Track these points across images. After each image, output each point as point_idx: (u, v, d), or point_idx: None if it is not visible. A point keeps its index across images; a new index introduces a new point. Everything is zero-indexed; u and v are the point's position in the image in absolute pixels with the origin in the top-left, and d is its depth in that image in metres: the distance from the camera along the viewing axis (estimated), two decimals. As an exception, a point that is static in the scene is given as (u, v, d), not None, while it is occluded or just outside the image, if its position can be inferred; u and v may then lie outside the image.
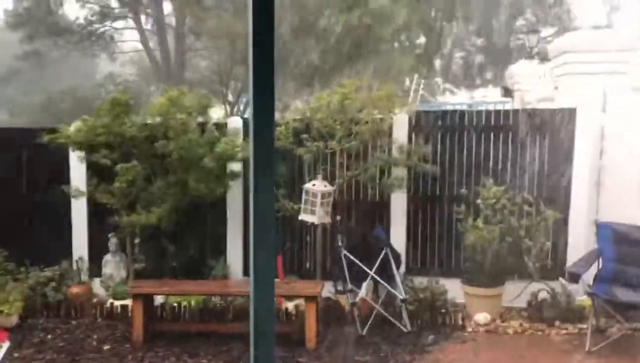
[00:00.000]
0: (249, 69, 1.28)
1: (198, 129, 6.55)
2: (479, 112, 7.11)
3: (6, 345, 5.58)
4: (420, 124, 6.87)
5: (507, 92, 11.44)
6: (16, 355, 5.49)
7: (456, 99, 16.09)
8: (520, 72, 11.58)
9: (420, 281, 6.45)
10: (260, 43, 1.27)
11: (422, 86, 13.36)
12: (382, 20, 14.27)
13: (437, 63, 19.31)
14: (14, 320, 6.20)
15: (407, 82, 17.67)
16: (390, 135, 6.74)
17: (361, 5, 13.76)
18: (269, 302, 1.37)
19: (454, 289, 6.37)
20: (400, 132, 6.79)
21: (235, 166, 6.66)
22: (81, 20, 18.24)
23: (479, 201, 6.36)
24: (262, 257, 1.34)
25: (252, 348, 1.38)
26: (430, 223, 6.92)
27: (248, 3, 1.28)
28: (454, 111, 7.27)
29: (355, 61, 13.81)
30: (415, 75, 14.61)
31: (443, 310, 6.17)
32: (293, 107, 6.90)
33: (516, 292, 6.32)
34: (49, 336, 6.00)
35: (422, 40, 18.98)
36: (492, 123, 6.78)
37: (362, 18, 13.41)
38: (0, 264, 6.83)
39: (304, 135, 6.56)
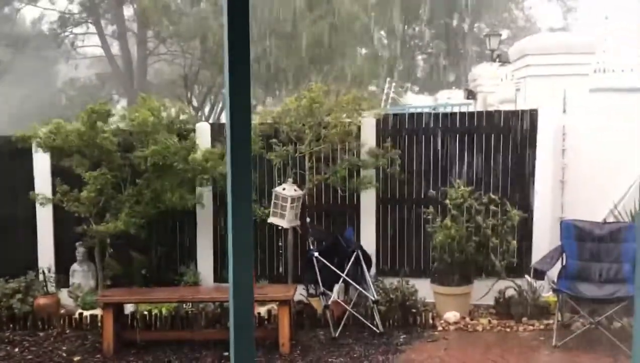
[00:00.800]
0: (224, 73, 1.30)
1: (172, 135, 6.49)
2: (445, 115, 7.27)
3: (-29, 359, 5.45)
4: (387, 126, 6.97)
5: (470, 94, 11.69)
6: (-18, 370, 5.37)
7: (420, 101, 16.32)
8: (483, 74, 11.83)
9: (390, 282, 6.53)
10: (236, 47, 1.30)
11: (392, 90, 13.51)
12: (347, 24, 14.42)
13: (401, 66, 19.57)
14: (-22, 334, 6.04)
15: (373, 86, 17.86)
16: (358, 138, 6.82)
17: (328, 11, 13.87)
18: (248, 307, 1.39)
19: (424, 289, 6.47)
20: (369, 135, 6.88)
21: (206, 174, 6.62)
22: (41, 27, 17.91)
23: (447, 201, 6.48)
24: (240, 263, 1.36)
25: (232, 355, 1.39)
26: (400, 224, 7.02)
27: (224, 7, 1.30)
28: (420, 113, 7.40)
29: (320, 65, 13.91)
30: (388, 79, 14.77)
31: (414, 310, 6.26)
32: (261, 111, 6.90)
33: (484, 290, 6.45)
34: (16, 349, 5.87)
35: (384, 43, 19.24)
36: (457, 125, 6.93)
37: (327, 22, 13.53)
38: (-37, 277, 6.65)
39: (273, 140, 6.58)
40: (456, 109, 10.30)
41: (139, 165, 6.32)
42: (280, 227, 6.58)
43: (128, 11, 18.48)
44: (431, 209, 6.60)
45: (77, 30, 18.82)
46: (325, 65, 14.46)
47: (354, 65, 15.44)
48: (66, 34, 18.42)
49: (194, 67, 15.87)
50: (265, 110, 6.94)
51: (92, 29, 18.55)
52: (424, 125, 6.95)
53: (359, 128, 6.77)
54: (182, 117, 6.99)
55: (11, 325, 6.36)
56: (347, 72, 13.94)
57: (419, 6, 16.59)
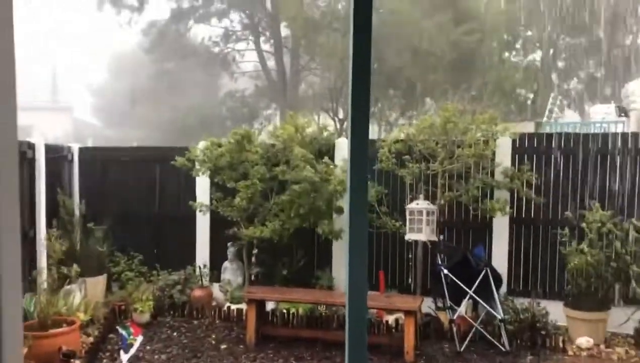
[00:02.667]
0: (348, 89, 1.38)
1: (313, 157, 7.05)
2: (589, 134, 7.05)
3: (140, 339, 6.40)
4: (524, 146, 6.95)
5: (622, 111, 10.99)
6: (148, 348, 6.26)
7: (571, 117, 15.57)
8: (638, 91, 11.06)
9: (521, 302, 6.51)
10: (358, 64, 1.36)
11: (556, 105, 13.00)
12: (491, 34, 14.23)
13: (554, 78, 18.76)
14: (146, 317, 7.02)
15: (522, 98, 17.35)
16: (493, 158, 6.88)
17: (469, 20, 13.82)
18: (362, 310, 1.60)
19: (556, 312, 6.37)
20: (504, 154, 6.91)
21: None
22: (207, 42, 19.73)
23: (583, 225, 6.33)
24: (356, 270, 1.57)
25: (347, 354, 1.62)
26: (533, 244, 6.96)
27: (350, 25, 1.37)
28: (560, 133, 7.26)
29: (464, 79, 13.86)
30: (552, 94, 14.28)
31: (543, 332, 6.20)
32: (396, 129, 7.22)
33: (622, 318, 6.21)
34: (175, 333, 6.74)
35: (537, 54, 18.56)
36: (603, 145, 6.72)
37: (470, 34, 13.48)
38: (136, 267, 7.75)
39: (406, 157, 6.87)
40: (605, 127, 9.82)
41: (286, 181, 6.96)
42: (410, 241, 6.84)
43: (284, 31, 19.71)
44: (567, 231, 6.49)
45: (238, 46, 20.44)
46: (470, 79, 14.39)
47: (503, 78, 15.16)
48: (228, 50, 20.09)
49: (340, 80, 16.59)
50: (400, 127, 7.25)
51: (252, 45, 20.05)
52: (566, 144, 6.83)
53: (494, 149, 6.82)
54: (324, 134, 7.54)
55: (171, 312, 7.30)
56: (492, 86, 13.75)
57: (572, 17, 15.84)
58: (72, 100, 22.79)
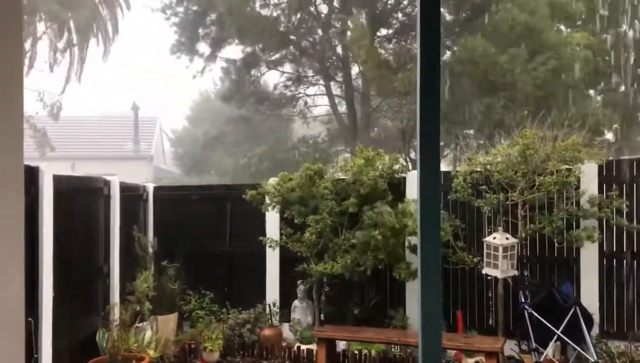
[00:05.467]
0: (417, 126, 1.38)
1: (386, 190, 6.85)
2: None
3: (208, 377, 6.25)
4: (611, 173, 6.45)
5: None
6: (216, 387, 6.11)
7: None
8: None
9: (616, 345, 5.92)
10: (426, 103, 1.38)
11: None
12: (569, 66, 13.67)
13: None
14: (215, 356, 6.90)
15: (609, 135, 16.48)
16: (578, 186, 6.41)
17: (545, 50, 13.35)
18: (436, 351, 1.45)
19: (659, 356, 5.73)
20: (590, 182, 6.43)
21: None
22: (279, 89, 20.13)
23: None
24: (429, 307, 1.44)
25: None
26: (627, 280, 6.35)
27: (417, 63, 1.39)
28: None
29: (544, 113, 13.33)
30: None
31: (645, 379, 5.57)
32: (474, 159, 6.86)
33: None
34: (244, 373, 6.57)
35: (622, 87, 17.69)
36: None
37: (547, 65, 13.00)
38: (207, 305, 7.69)
39: (483, 186, 6.52)
40: None
41: (356, 214, 6.75)
42: (490, 277, 6.42)
43: (354, 70, 19.85)
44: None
45: (310, 91, 20.73)
46: (549, 113, 13.83)
47: (583, 112, 14.47)
48: (300, 94, 20.40)
49: (412, 121, 16.37)
50: (475, 157, 6.91)
51: (323, 89, 20.28)
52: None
53: (578, 176, 6.37)
54: (395, 166, 7.32)
55: (241, 352, 7.14)
56: (572, 119, 13.14)
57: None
58: (153, 148, 23.73)
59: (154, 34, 27.28)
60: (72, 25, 18.42)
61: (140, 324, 6.74)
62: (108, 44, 19.33)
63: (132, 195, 7.69)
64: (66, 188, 6.04)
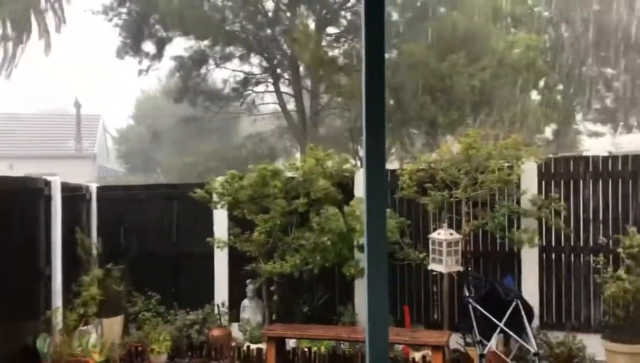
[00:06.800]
0: (362, 124, 1.39)
1: (337, 193, 6.87)
2: (615, 157, 6.78)
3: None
4: (550, 172, 6.70)
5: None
6: (164, 389, 6.03)
7: (599, 145, 15.26)
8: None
9: (555, 335, 6.17)
10: (371, 102, 1.38)
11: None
12: (514, 69, 14.12)
13: (578, 108, 18.51)
14: (163, 358, 6.79)
15: (546, 133, 17.08)
16: (518, 184, 6.63)
17: (489, 53, 13.75)
18: (383, 346, 1.47)
19: (594, 345, 6.00)
20: (530, 180, 6.66)
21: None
22: (227, 87, 19.94)
23: (620, 250, 6.01)
24: (376, 303, 1.45)
25: None
26: (566, 273, 6.62)
27: (362, 64, 1.40)
28: (587, 157, 6.99)
29: (485, 113, 13.72)
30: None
31: (581, 367, 5.82)
32: (418, 157, 7.00)
33: (666, 351, 5.80)
34: (193, 375, 6.50)
35: (559, 86, 18.35)
36: (631, 169, 6.45)
37: (484, 70, 13.40)
38: (153, 307, 7.55)
39: (428, 184, 6.66)
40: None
41: (305, 212, 6.78)
42: (435, 272, 6.57)
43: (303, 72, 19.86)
44: (601, 258, 6.16)
45: (257, 89, 20.61)
46: (491, 114, 14.24)
47: (522, 112, 14.98)
48: (248, 92, 20.25)
49: (360, 120, 16.54)
50: (420, 155, 7.06)
51: (271, 87, 20.20)
52: (591, 169, 6.57)
53: (519, 174, 6.58)
54: (344, 166, 7.36)
55: (189, 353, 7.06)
56: (511, 118, 13.57)
57: (605, 47, 15.61)
58: (96, 146, 23.08)
59: (97, 33, 26.52)
60: (7, 18, 17.73)
61: (85, 327, 6.57)
62: (48, 39, 18.72)
63: (74, 195, 7.47)
64: (3, 189, 5.82)
